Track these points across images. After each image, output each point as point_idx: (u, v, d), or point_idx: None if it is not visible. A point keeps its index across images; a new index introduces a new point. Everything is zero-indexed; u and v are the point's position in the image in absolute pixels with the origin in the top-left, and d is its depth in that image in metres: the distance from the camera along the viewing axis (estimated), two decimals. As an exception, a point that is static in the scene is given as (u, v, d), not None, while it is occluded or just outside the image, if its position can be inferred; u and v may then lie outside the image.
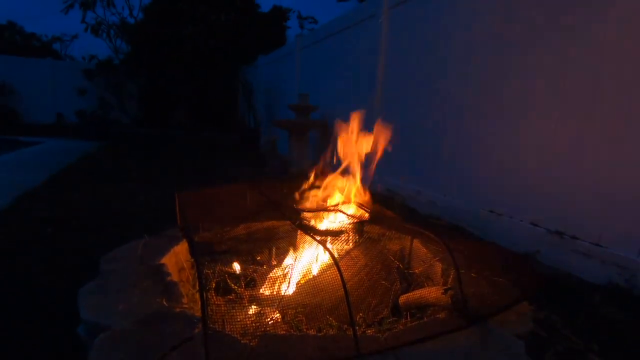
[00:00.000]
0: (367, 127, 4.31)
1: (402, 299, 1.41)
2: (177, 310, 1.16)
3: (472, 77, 2.85)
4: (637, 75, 1.84)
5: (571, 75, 2.14)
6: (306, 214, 1.70)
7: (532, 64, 2.37)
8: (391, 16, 3.85)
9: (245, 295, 1.38)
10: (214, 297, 1.31)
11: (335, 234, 1.56)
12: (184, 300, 1.23)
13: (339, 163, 1.83)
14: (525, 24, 2.42)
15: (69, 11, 10.03)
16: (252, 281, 1.53)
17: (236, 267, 1.59)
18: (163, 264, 1.47)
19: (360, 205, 1.75)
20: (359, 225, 1.63)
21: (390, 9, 3.83)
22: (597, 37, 2.01)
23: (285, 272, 1.51)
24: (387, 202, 3.42)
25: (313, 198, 1.79)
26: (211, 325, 1.05)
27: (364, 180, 1.82)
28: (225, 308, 1.21)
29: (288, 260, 1.56)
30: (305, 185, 1.79)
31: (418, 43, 3.47)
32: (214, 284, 1.41)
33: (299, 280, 1.45)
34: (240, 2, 10.42)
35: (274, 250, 1.70)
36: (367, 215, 1.67)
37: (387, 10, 3.87)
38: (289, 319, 1.28)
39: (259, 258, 1.70)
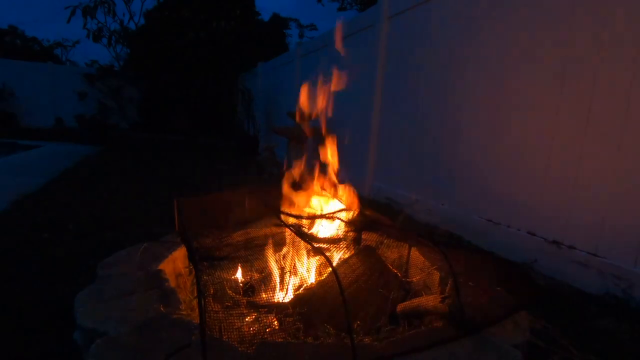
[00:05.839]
0: (364, 134, 4.31)
1: (400, 307, 1.41)
2: (175, 316, 1.15)
3: (469, 86, 2.88)
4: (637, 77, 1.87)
5: (567, 81, 2.17)
6: (305, 221, 1.70)
7: (529, 72, 2.40)
8: (391, 25, 3.90)
9: (243, 303, 1.37)
10: (212, 304, 1.31)
11: (333, 241, 1.56)
12: (182, 306, 1.23)
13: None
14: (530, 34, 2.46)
15: (72, 17, 10.08)
16: (250, 288, 1.53)
17: (234, 274, 1.59)
18: (161, 270, 1.47)
19: (358, 212, 1.75)
20: (357, 233, 1.64)
21: (389, 19, 3.89)
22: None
23: (283, 279, 1.51)
24: (385, 210, 3.42)
25: (306, 204, 1.80)
26: (208, 333, 1.05)
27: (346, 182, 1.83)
28: (223, 315, 1.21)
29: (286, 267, 1.56)
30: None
31: (418, 51, 3.51)
32: (212, 291, 1.41)
33: (297, 288, 1.45)
34: (240, 10, 10.52)
35: (272, 257, 1.70)
36: (364, 222, 1.68)
37: (386, 20, 3.92)
38: (286, 326, 1.27)
39: (257, 265, 1.70)
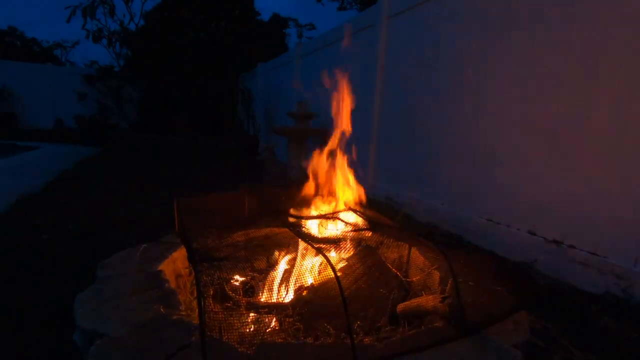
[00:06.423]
0: (365, 134, 4.32)
1: (400, 307, 1.41)
2: (175, 317, 1.15)
3: (469, 86, 2.88)
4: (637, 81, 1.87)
5: (567, 81, 2.17)
6: (305, 221, 1.70)
7: (528, 73, 2.40)
8: (390, 25, 3.90)
9: (243, 303, 1.37)
10: (212, 305, 1.31)
11: (333, 241, 1.56)
12: (182, 307, 1.23)
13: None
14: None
15: (72, 18, 10.07)
16: (250, 289, 1.53)
17: (234, 274, 1.59)
18: (160, 271, 1.47)
19: (358, 213, 1.75)
20: (357, 233, 1.63)
21: (389, 18, 3.89)
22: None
23: (283, 279, 1.51)
24: (385, 210, 3.42)
25: (313, 204, 1.80)
26: (208, 333, 1.04)
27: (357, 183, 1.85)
28: (223, 316, 1.21)
29: (286, 267, 1.56)
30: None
31: (417, 51, 3.51)
32: (211, 291, 1.41)
33: (297, 288, 1.45)
34: (240, 10, 10.51)
35: (272, 257, 1.70)
36: (364, 222, 1.67)
37: (386, 20, 3.92)
38: (286, 327, 1.27)
39: (257, 265, 1.70)
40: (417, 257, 1.70)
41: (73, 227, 2.66)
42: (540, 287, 2.03)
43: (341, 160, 1.86)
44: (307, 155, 1.86)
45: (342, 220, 1.68)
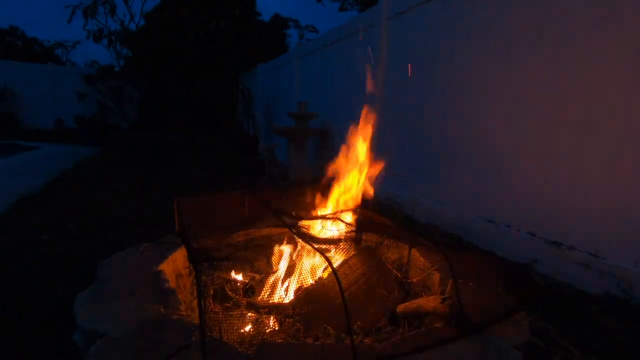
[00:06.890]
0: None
1: (400, 308, 1.41)
2: (175, 317, 1.15)
3: (469, 87, 2.88)
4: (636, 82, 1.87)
5: (569, 84, 2.17)
6: (305, 222, 1.70)
7: (526, 75, 2.40)
8: (390, 26, 3.90)
9: (243, 303, 1.37)
10: (212, 305, 1.31)
11: (333, 242, 1.56)
12: (182, 307, 1.23)
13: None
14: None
15: (73, 17, 10.09)
16: (250, 289, 1.53)
17: (234, 274, 1.59)
18: (161, 271, 1.47)
19: (358, 213, 1.75)
20: (357, 234, 1.63)
21: (389, 19, 3.89)
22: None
23: (283, 280, 1.51)
24: (386, 211, 3.42)
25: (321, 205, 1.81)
26: (208, 333, 1.04)
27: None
28: (223, 316, 1.21)
29: (286, 268, 1.56)
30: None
31: (417, 52, 3.50)
32: (212, 292, 1.41)
33: (297, 289, 1.45)
34: (240, 10, 10.51)
35: (272, 258, 1.70)
36: (364, 223, 1.68)
37: (385, 21, 3.92)
38: (286, 327, 1.27)
39: (257, 265, 1.70)
40: (417, 257, 1.70)
41: (73, 227, 2.66)
42: (540, 287, 2.03)
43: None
44: (308, 156, 1.86)
45: (342, 221, 1.68)
